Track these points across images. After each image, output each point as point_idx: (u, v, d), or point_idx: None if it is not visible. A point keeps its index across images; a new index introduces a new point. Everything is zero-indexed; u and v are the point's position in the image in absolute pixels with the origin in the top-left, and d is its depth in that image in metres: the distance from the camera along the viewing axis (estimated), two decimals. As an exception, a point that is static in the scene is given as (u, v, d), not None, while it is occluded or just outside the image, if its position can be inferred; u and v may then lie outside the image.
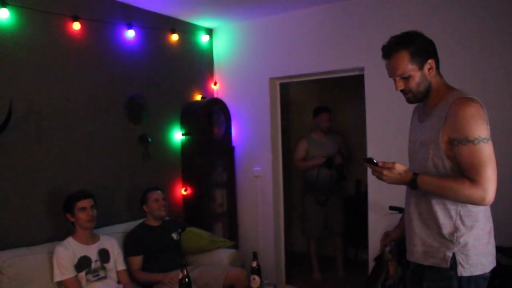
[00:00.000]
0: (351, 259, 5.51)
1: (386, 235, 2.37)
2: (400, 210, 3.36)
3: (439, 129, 1.82)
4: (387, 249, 2.39)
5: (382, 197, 3.80)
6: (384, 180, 1.83)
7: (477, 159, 1.73)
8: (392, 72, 1.92)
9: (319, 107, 4.89)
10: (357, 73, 4.09)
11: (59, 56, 3.32)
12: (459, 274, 1.80)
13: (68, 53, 3.39)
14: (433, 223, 1.88)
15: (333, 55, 4.10)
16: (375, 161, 1.83)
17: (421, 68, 1.88)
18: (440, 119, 1.83)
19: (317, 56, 4.20)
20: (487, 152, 1.74)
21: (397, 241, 2.34)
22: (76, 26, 3.39)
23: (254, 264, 3.12)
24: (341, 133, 5.18)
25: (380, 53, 3.75)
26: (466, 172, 1.76)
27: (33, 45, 3.17)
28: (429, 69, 1.88)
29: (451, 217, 1.84)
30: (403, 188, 2.30)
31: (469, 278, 1.81)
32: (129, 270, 3.27)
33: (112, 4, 3.74)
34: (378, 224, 3.87)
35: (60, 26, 3.33)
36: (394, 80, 1.93)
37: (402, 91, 1.93)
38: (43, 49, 3.23)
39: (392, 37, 1.93)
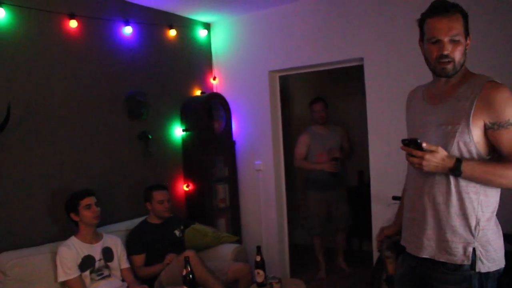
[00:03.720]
0: (356, 251, 5.51)
1: (382, 230, 2.24)
2: (403, 200, 3.35)
3: (469, 113, 1.69)
4: (384, 246, 2.23)
5: (385, 188, 3.78)
6: (422, 167, 1.66)
7: None
8: (445, 31, 1.72)
9: (314, 98, 4.78)
10: (356, 63, 4.06)
11: (56, 54, 3.30)
12: (477, 270, 1.71)
13: (66, 51, 3.36)
14: (454, 214, 1.74)
15: (332, 46, 4.07)
16: (419, 141, 1.64)
17: (466, 39, 1.76)
18: (467, 102, 1.71)
19: (316, 48, 4.17)
20: None
21: (394, 237, 2.21)
22: (73, 23, 3.36)
23: (258, 258, 3.12)
24: (344, 126, 4.96)
25: (379, 43, 3.74)
26: (510, 156, 1.67)
27: (30, 44, 3.15)
28: (466, 45, 1.77)
29: (473, 208, 1.73)
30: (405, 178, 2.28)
31: (488, 274, 1.72)
32: (132, 268, 3.27)
33: (109, 0, 3.71)
34: (381, 215, 3.85)
35: (57, 24, 3.31)
36: (439, 41, 1.74)
37: (444, 57, 1.74)
38: (41, 48, 3.21)
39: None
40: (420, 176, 1.84)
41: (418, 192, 1.86)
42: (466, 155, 1.71)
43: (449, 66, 1.75)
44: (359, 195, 5.17)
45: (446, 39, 1.73)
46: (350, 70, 4.34)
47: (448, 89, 1.82)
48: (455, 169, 1.65)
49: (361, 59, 3.93)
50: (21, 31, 3.10)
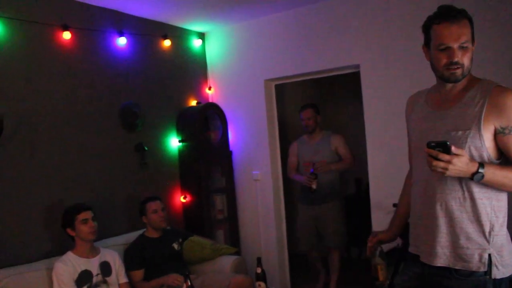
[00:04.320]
0: (355, 259, 5.46)
1: (374, 235, 2.16)
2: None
3: (479, 117, 1.68)
4: (377, 252, 2.14)
5: (384, 195, 3.75)
6: (445, 171, 1.59)
7: None
8: (455, 38, 1.70)
9: (302, 105, 4.45)
10: (353, 70, 4.05)
11: (50, 66, 3.26)
12: (492, 277, 1.68)
13: (60, 63, 3.32)
14: (467, 221, 1.73)
15: (328, 54, 4.06)
16: (448, 143, 1.58)
17: (473, 44, 1.75)
18: (477, 107, 1.70)
19: (311, 55, 4.15)
20: None
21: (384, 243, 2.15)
22: (67, 35, 3.33)
23: (259, 270, 3.05)
24: (340, 132, 4.59)
25: (375, 50, 3.72)
26: None
27: (23, 56, 3.11)
28: (474, 48, 1.76)
29: (487, 214, 1.72)
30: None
31: (502, 280, 1.71)
32: (131, 283, 3.21)
33: (102, 11, 3.68)
34: (381, 223, 3.81)
35: (50, 36, 3.27)
36: (448, 48, 1.72)
37: (454, 64, 1.72)
38: (34, 60, 3.16)
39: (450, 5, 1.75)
40: (431, 182, 1.81)
41: (429, 199, 1.82)
42: (477, 160, 1.69)
43: (458, 71, 1.74)
44: (357, 202, 5.15)
45: (455, 46, 1.71)
46: (347, 76, 4.32)
47: (454, 94, 1.80)
48: (477, 173, 1.62)
49: (357, 66, 3.91)
50: (14, 43, 3.05)
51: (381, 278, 2.14)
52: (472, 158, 1.64)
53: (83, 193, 3.37)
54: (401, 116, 3.55)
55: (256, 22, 4.45)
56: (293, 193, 5.60)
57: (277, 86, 4.64)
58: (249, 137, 4.58)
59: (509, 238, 1.77)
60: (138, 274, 3.29)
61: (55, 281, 2.79)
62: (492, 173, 1.63)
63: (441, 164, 1.59)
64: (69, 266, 2.84)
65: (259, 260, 3.10)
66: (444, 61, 1.74)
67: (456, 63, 1.72)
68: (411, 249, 1.97)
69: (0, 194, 2.91)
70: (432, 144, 1.60)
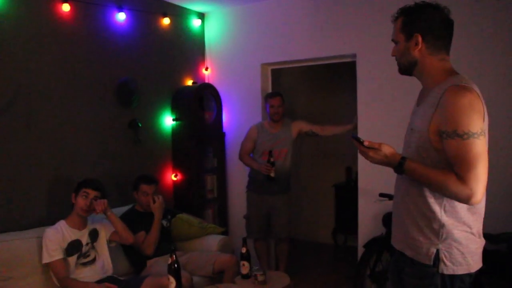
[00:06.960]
0: (340, 246, 5.56)
1: None
2: (390, 197, 3.37)
3: (429, 118, 1.67)
4: None
5: (372, 184, 3.81)
6: (369, 160, 1.73)
7: (465, 155, 1.57)
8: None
9: (270, 92, 4.35)
10: (349, 59, 4.07)
11: (47, 38, 3.26)
12: (440, 271, 1.68)
13: (57, 36, 3.32)
14: (419, 215, 1.74)
15: (325, 42, 4.08)
16: (361, 140, 1.70)
17: (407, 40, 1.79)
18: (431, 107, 1.68)
19: (309, 42, 4.17)
20: (477, 149, 1.57)
21: None
22: (66, 7, 3.33)
23: (244, 250, 3.13)
24: (300, 118, 4.53)
25: (372, 40, 3.76)
26: (454, 167, 1.61)
27: (21, 27, 3.10)
28: (415, 44, 1.76)
29: (436, 212, 1.69)
30: (394, 175, 2.28)
31: (453, 276, 1.69)
32: (138, 248, 3.31)
33: (102, -14, 3.67)
34: (367, 211, 3.89)
35: (49, 7, 3.27)
36: None
37: (395, 58, 1.90)
38: (31, 31, 3.16)
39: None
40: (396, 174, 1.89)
41: (396, 189, 1.93)
42: (426, 160, 1.69)
43: (399, 64, 1.88)
44: (346, 191, 5.22)
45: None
46: (341, 66, 4.34)
47: (424, 92, 1.84)
48: (398, 167, 1.70)
49: (354, 55, 3.94)
50: (12, 14, 3.05)
51: None
52: (395, 152, 1.70)
53: (76, 165, 3.41)
54: (394, 107, 3.62)
55: (257, 5, 4.46)
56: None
57: (273, 71, 4.67)
58: (243, 119, 4.60)
59: (471, 237, 1.71)
60: (139, 235, 3.33)
61: (44, 246, 2.84)
62: (411, 169, 1.67)
63: (362, 154, 1.74)
64: (59, 233, 2.89)
65: (244, 241, 3.17)
66: None
67: (395, 57, 1.89)
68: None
69: (-6, 163, 2.94)
70: (353, 137, 1.74)
